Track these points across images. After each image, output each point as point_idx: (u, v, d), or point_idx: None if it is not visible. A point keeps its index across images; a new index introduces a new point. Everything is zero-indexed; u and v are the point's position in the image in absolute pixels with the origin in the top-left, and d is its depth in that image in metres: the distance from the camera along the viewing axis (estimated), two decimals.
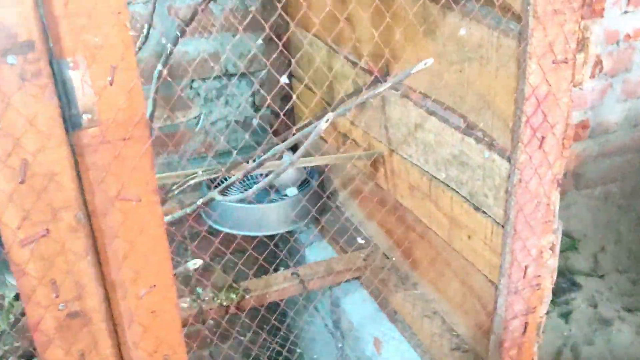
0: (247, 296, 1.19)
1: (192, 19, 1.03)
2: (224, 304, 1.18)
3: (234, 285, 1.20)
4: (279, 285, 1.22)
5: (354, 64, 1.18)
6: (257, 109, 1.67)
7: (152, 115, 0.94)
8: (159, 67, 0.93)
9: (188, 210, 0.88)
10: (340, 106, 1.11)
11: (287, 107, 1.59)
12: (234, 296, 1.18)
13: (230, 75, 1.58)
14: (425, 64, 0.66)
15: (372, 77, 1.01)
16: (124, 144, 0.51)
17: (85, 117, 0.48)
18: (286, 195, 1.44)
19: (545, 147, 0.78)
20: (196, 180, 0.98)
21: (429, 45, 0.92)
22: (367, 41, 1.10)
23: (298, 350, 1.50)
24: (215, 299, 1.18)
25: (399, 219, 1.17)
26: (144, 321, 0.58)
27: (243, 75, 1.60)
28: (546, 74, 0.74)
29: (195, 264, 0.62)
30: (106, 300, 0.55)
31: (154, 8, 1.02)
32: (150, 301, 0.57)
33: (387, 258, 1.25)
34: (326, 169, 1.44)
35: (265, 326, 1.44)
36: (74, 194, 0.50)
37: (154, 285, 0.57)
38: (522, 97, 0.74)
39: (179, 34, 0.97)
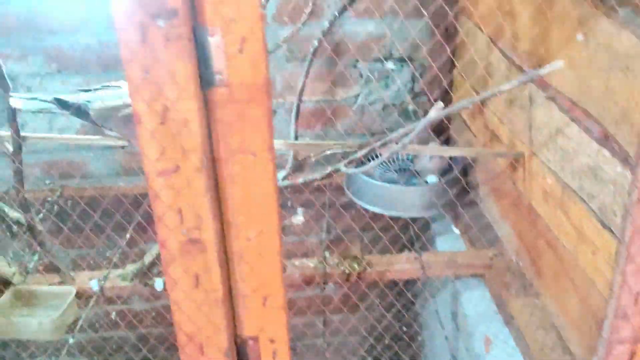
0: (369, 269, 1.25)
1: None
2: (347, 271, 1.25)
3: (358, 256, 1.27)
4: (400, 265, 1.26)
5: (509, 59, 1.16)
6: (414, 95, 1.70)
7: (302, 88, 1.02)
8: (315, 43, 1.01)
9: (317, 176, 0.95)
10: (491, 102, 1.10)
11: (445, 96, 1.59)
12: (356, 266, 1.24)
13: (393, 59, 1.63)
14: (554, 66, 0.65)
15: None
16: (247, 104, 0.59)
17: (217, 78, 0.57)
18: (426, 182, 1.46)
19: None
20: (331, 151, 1.05)
21: (581, 50, 0.88)
22: (524, 38, 1.07)
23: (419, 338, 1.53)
24: (339, 265, 1.27)
25: (530, 224, 1.13)
26: (251, 260, 0.67)
27: (405, 60, 1.64)
28: None
29: (298, 219, 0.69)
30: (221, 235, 0.64)
31: None
32: (258, 244, 0.66)
33: (514, 261, 1.22)
34: (470, 163, 1.43)
35: (382, 303, 1.50)
36: (201, 141, 0.59)
37: (262, 231, 0.66)
38: None
39: (337, 14, 1.04)
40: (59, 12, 1.50)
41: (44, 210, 1.47)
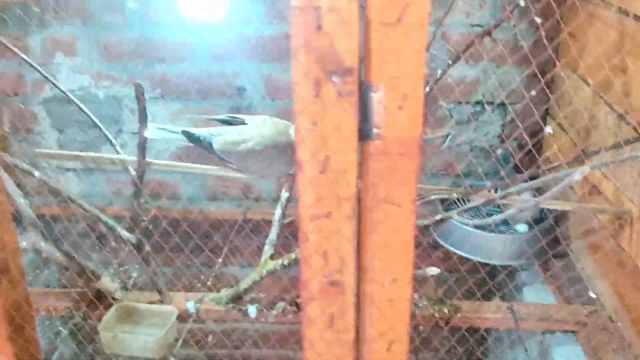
0: (458, 315, 1.25)
1: (467, 48, 1.12)
2: (436, 314, 1.25)
3: (443, 300, 1.27)
4: (491, 314, 1.25)
5: (620, 116, 1.15)
6: (502, 139, 1.70)
7: None
8: (427, 88, 1.03)
9: (426, 222, 0.97)
10: (595, 158, 1.09)
11: (535, 142, 1.59)
12: (446, 311, 1.24)
13: (485, 103, 1.64)
14: None
15: (636, 136, 0.98)
16: (400, 157, 0.61)
17: (375, 131, 0.60)
18: (515, 230, 1.45)
19: None
20: (438, 197, 1.07)
21: None
22: (636, 94, 1.06)
23: None
24: (431, 307, 1.26)
25: (634, 285, 1.11)
26: (381, 306, 0.69)
27: (497, 105, 1.64)
28: None
29: (432, 270, 0.70)
30: (357, 279, 0.66)
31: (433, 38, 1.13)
32: (390, 291, 0.68)
33: (612, 321, 1.19)
34: (564, 213, 1.41)
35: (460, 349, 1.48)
36: (354, 191, 0.62)
37: (396, 279, 0.67)
38: None
39: (450, 62, 1.06)
40: (169, 42, 1.59)
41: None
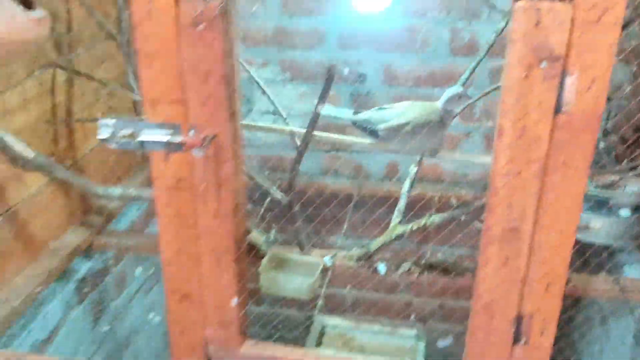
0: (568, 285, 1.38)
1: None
2: None
3: None
4: (598, 285, 1.37)
5: None
6: (605, 133, 1.80)
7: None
8: None
9: None
10: None
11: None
12: None
13: None
14: None
15: None
16: (582, 130, 0.76)
17: (564, 108, 0.75)
18: (618, 215, 1.56)
19: None
20: None
21: None
22: None
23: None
24: None
25: None
26: (546, 253, 0.83)
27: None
28: None
29: (596, 224, 0.84)
30: (534, 227, 0.81)
31: None
32: (556, 240, 0.82)
33: None
34: None
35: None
36: (544, 154, 0.77)
37: (562, 230, 0.82)
38: None
39: None
40: (301, 31, 1.77)
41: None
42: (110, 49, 1.58)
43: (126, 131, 0.78)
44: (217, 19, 0.77)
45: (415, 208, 1.75)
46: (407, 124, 1.13)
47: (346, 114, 1.19)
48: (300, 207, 1.82)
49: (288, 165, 2.00)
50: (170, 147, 0.80)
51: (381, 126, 1.14)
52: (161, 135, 0.80)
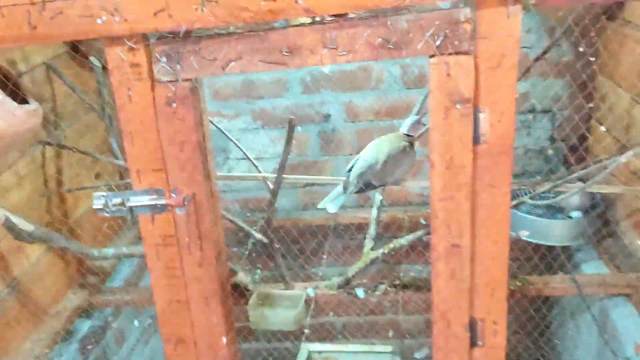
0: (530, 286, 1.52)
1: (526, 71, 1.40)
2: (511, 287, 1.52)
3: (517, 275, 1.54)
4: (556, 284, 1.51)
5: None
6: (553, 141, 1.97)
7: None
8: None
9: None
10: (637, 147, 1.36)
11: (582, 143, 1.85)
12: (519, 283, 1.51)
13: (535, 111, 1.92)
14: None
15: None
16: (499, 155, 0.90)
17: (482, 138, 0.89)
18: (570, 217, 1.71)
19: None
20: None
21: None
22: None
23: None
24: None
25: None
26: (486, 262, 0.96)
27: (546, 112, 1.92)
28: None
29: (523, 233, 0.98)
30: (472, 242, 0.95)
31: None
32: (493, 251, 0.96)
33: None
34: (612, 201, 1.67)
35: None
36: (470, 180, 0.91)
37: (497, 241, 0.96)
38: None
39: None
40: (267, 82, 1.92)
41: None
42: (92, 120, 1.72)
43: (116, 200, 0.91)
44: (188, 96, 0.91)
45: (390, 230, 1.90)
46: (376, 162, 1.21)
47: (338, 192, 1.22)
48: (282, 243, 1.96)
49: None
50: (156, 209, 0.93)
51: (351, 178, 1.20)
52: (147, 200, 0.93)
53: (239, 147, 1.48)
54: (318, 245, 1.98)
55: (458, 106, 0.86)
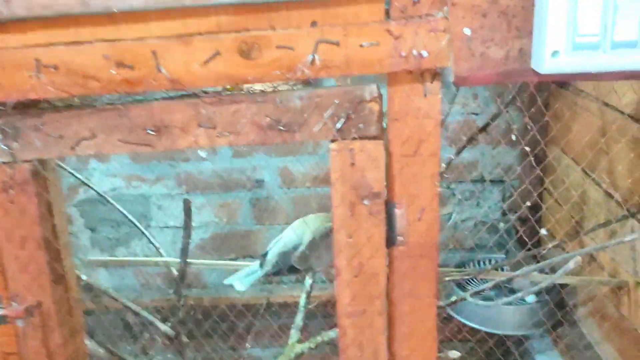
0: None
1: (469, 140, 1.26)
2: None
3: None
4: None
5: (608, 193, 1.28)
6: (503, 213, 1.83)
7: None
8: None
9: (442, 303, 1.08)
10: (590, 233, 1.22)
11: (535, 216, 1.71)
12: None
13: (484, 181, 1.78)
14: None
15: (624, 213, 1.11)
16: (420, 259, 0.73)
17: (399, 239, 0.72)
18: (524, 301, 1.55)
19: None
20: (451, 278, 1.18)
21: None
22: (623, 176, 1.19)
23: None
24: None
25: (637, 349, 1.20)
26: None
27: (496, 182, 1.78)
28: None
29: (454, 354, 0.81)
30: None
31: None
32: None
33: None
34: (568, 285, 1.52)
35: None
36: (384, 290, 0.73)
37: None
38: None
39: (455, 153, 1.20)
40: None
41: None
42: None
43: None
44: (29, 182, 0.72)
45: (334, 309, 1.66)
46: (300, 243, 1.08)
47: (253, 269, 1.14)
48: (212, 322, 1.74)
49: (198, 279, 1.93)
50: None
51: (269, 256, 1.09)
52: None
53: (138, 227, 1.28)
54: (250, 324, 1.76)
55: (366, 202, 0.69)
